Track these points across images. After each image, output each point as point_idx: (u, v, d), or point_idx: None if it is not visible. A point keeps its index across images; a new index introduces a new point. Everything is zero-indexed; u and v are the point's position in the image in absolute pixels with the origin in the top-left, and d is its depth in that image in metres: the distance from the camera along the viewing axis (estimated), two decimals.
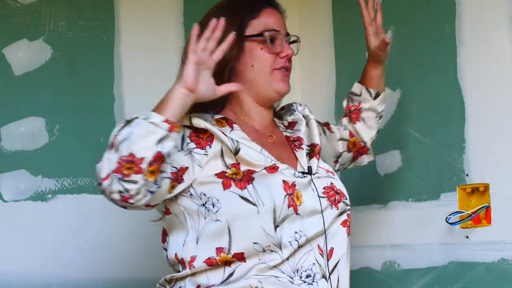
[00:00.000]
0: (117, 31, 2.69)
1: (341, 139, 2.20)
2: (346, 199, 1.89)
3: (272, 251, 1.75)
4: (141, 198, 1.66)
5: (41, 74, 2.58)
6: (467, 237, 2.23)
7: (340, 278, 1.82)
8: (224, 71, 1.86)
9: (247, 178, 1.78)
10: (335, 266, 1.82)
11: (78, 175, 2.58)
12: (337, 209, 1.85)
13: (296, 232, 1.77)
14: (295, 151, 1.93)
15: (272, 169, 1.81)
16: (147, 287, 2.63)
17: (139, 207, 1.69)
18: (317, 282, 1.78)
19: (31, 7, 2.58)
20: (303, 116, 2.04)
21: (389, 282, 2.49)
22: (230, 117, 1.89)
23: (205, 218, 1.78)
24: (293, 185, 1.79)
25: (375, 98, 2.20)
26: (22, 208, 2.51)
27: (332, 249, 1.82)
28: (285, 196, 1.77)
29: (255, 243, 1.75)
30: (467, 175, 2.26)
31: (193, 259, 1.78)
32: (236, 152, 1.80)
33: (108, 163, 1.63)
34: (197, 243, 1.78)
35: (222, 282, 1.76)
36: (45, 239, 2.52)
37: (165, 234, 1.89)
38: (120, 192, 1.63)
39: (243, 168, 1.79)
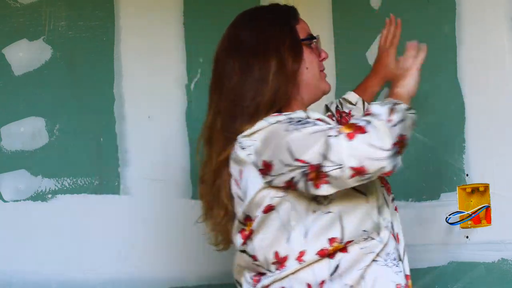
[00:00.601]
0: (117, 31, 2.68)
1: None
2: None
3: (372, 238, 1.84)
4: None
5: (41, 74, 2.57)
6: (467, 237, 2.23)
7: (406, 260, 1.93)
8: (295, 75, 1.94)
9: None
10: (403, 249, 1.93)
11: (78, 175, 2.58)
12: (390, 194, 1.96)
13: (384, 219, 1.88)
14: None
15: None
16: (147, 287, 2.63)
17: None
18: (399, 264, 1.89)
19: (31, 7, 2.57)
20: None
21: None
22: None
23: (314, 212, 1.82)
24: (382, 176, 1.85)
25: None
26: (22, 208, 2.51)
27: (398, 234, 1.93)
28: (381, 186, 1.90)
29: (364, 230, 1.83)
30: (467, 175, 2.26)
31: (302, 253, 1.82)
32: None
33: (390, 133, 1.72)
34: (305, 237, 1.82)
35: (331, 275, 1.81)
36: (45, 239, 2.52)
37: (247, 236, 1.90)
38: (395, 166, 1.73)
39: None
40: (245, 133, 1.86)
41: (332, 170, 1.71)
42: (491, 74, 2.20)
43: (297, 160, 1.76)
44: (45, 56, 2.59)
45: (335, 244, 1.81)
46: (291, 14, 2.02)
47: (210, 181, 1.97)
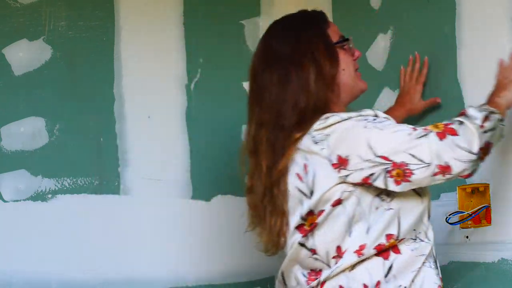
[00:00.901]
0: (117, 31, 2.69)
1: None
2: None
3: (421, 240, 1.90)
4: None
5: (41, 74, 2.58)
6: (467, 237, 2.23)
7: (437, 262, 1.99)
8: (334, 81, 1.98)
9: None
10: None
11: (78, 175, 2.58)
12: None
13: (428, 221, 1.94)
14: None
15: None
16: (147, 287, 2.63)
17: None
18: (437, 265, 1.95)
19: (31, 7, 2.58)
20: None
21: None
22: None
23: (377, 208, 1.87)
24: None
25: None
26: (22, 208, 2.51)
27: None
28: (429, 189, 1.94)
29: (414, 230, 1.89)
30: None
31: (362, 247, 1.86)
32: None
33: (479, 139, 1.79)
34: (367, 233, 1.86)
35: (385, 276, 1.86)
36: (45, 239, 2.52)
37: (308, 231, 1.91)
38: (474, 169, 1.82)
39: None
40: (318, 126, 1.89)
41: (418, 168, 1.79)
42: (491, 74, 2.20)
43: (380, 157, 1.81)
44: (45, 56, 2.59)
45: (391, 241, 1.86)
46: (320, 18, 2.06)
47: (261, 191, 2.01)
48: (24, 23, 2.56)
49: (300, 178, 1.91)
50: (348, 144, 1.85)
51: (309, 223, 1.91)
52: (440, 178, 1.81)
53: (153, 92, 2.72)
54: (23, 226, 2.51)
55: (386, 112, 2.27)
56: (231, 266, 2.76)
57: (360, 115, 1.88)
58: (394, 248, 1.87)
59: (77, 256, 2.55)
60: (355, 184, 1.86)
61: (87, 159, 2.60)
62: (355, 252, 1.86)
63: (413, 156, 1.79)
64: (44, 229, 2.52)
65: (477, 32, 2.24)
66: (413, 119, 2.40)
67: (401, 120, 2.34)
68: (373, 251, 1.86)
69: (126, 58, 2.68)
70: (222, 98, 2.81)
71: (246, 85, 2.87)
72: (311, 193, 1.89)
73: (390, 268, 1.86)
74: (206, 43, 2.81)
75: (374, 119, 1.87)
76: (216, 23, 2.84)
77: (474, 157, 1.78)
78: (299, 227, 1.92)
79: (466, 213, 2.19)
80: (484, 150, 1.82)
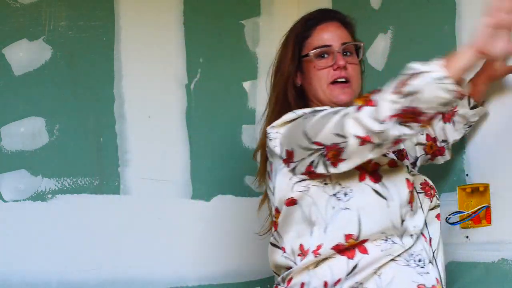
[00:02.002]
0: (117, 31, 2.69)
1: (418, 143, 2.23)
2: (438, 194, 2.02)
3: (394, 242, 1.87)
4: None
5: (41, 74, 2.57)
6: (467, 237, 2.23)
7: (438, 264, 1.96)
8: (286, 87, 2.03)
9: (375, 173, 1.89)
10: (435, 253, 1.96)
11: (78, 175, 2.58)
12: (431, 203, 1.97)
13: (414, 227, 1.90)
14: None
15: (393, 164, 1.92)
16: (147, 287, 2.63)
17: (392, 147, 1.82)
18: (427, 266, 1.91)
19: (31, 7, 2.58)
20: None
21: None
22: None
23: (333, 208, 1.88)
24: (411, 182, 1.91)
25: (471, 108, 2.18)
26: (22, 208, 2.51)
27: (431, 239, 1.95)
28: (408, 193, 1.89)
29: (382, 232, 1.87)
30: (467, 175, 2.26)
31: (319, 247, 1.87)
32: None
33: (391, 106, 1.69)
34: (324, 232, 1.87)
35: (347, 275, 1.85)
36: (45, 239, 2.52)
37: (275, 228, 1.97)
38: (397, 136, 1.71)
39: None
40: (273, 123, 1.96)
41: (342, 143, 1.76)
42: None
43: (314, 143, 1.82)
44: (45, 56, 2.59)
45: (350, 241, 1.86)
46: (312, 25, 2.07)
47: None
48: (24, 23, 2.56)
49: (269, 177, 1.99)
50: (291, 137, 1.89)
51: (277, 220, 1.97)
52: (371, 148, 1.75)
53: (153, 92, 2.72)
54: (23, 226, 2.51)
55: (470, 81, 2.17)
56: (231, 266, 2.76)
57: (314, 110, 1.92)
58: (361, 247, 1.86)
59: (77, 256, 2.55)
60: (308, 179, 1.89)
61: (87, 159, 2.60)
62: (313, 252, 1.88)
63: (337, 135, 1.77)
64: (44, 229, 2.52)
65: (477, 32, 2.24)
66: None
67: (486, 87, 2.17)
68: (331, 251, 1.86)
69: (126, 58, 2.68)
70: (222, 98, 2.82)
71: (246, 85, 2.88)
72: (274, 190, 1.96)
73: (354, 267, 1.85)
74: (206, 43, 2.81)
75: (318, 110, 1.90)
76: (216, 23, 2.84)
77: (382, 126, 1.69)
78: (273, 223, 2.00)
79: (466, 213, 2.19)
80: (403, 116, 1.68)
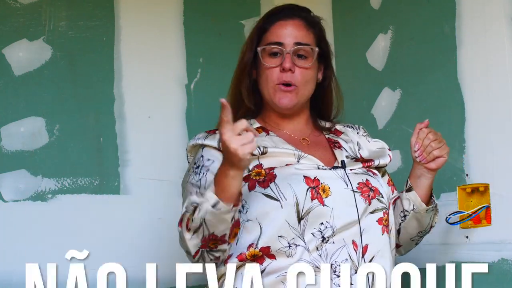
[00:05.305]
0: (117, 31, 2.69)
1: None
2: (382, 197, 1.91)
3: (297, 245, 1.82)
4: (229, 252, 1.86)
5: (41, 74, 2.58)
6: (467, 237, 2.23)
7: (375, 275, 1.83)
8: (242, 78, 2.02)
9: (269, 176, 1.86)
10: (369, 262, 1.85)
11: (78, 175, 2.58)
12: (369, 205, 1.88)
13: (322, 224, 1.83)
14: (334, 150, 2.00)
15: (296, 162, 1.90)
16: (147, 287, 2.63)
17: None
18: (346, 275, 1.80)
19: (31, 7, 2.58)
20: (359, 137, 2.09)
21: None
22: (266, 126, 2.02)
23: (242, 221, 1.87)
24: (316, 179, 1.84)
25: (406, 191, 2.04)
26: (22, 208, 2.51)
27: (367, 246, 1.86)
28: (307, 190, 1.83)
29: (280, 236, 1.82)
30: (467, 175, 2.26)
31: (229, 257, 1.88)
32: (263, 153, 1.90)
33: (192, 243, 1.82)
34: (236, 243, 1.87)
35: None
36: (45, 239, 2.52)
37: None
38: (212, 259, 1.85)
39: (265, 166, 1.88)
40: (188, 142, 2.05)
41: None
42: (491, 74, 2.20)
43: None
44: (45, 56, 2.59)
45: (251, 249, 1.85)
46: (270, 19, 2.01)
47: None
48: (24, 23, 2.57)
49: None
50: (183, 182, 1.98)
51: None
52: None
53: (153, 92, 2.72)
54: (23, 226, 2.51)
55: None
56: None
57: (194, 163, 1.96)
58: (269, 255, 1.83)
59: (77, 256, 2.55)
60: None
61: (87, 159, 2.60)
62: (224, 261, 1.88)
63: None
64: (44, 229, 2.52)
65: (477, 32, 2.24)
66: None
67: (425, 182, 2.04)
68: (236, 260, 1.85)
69: (126, 58, 2.68)
70: (222, 98, 2.81)
71: None
72: None
73: (262, 272, 1.82)
74: (206, 43, 2.81)
75: (196, 164, 1.95)
76: (216, 23, 2.84)
77: (196, 256, 1.87)
78: None
79: (466, 213, 2.19)
80: (210, 243, 1.81)
